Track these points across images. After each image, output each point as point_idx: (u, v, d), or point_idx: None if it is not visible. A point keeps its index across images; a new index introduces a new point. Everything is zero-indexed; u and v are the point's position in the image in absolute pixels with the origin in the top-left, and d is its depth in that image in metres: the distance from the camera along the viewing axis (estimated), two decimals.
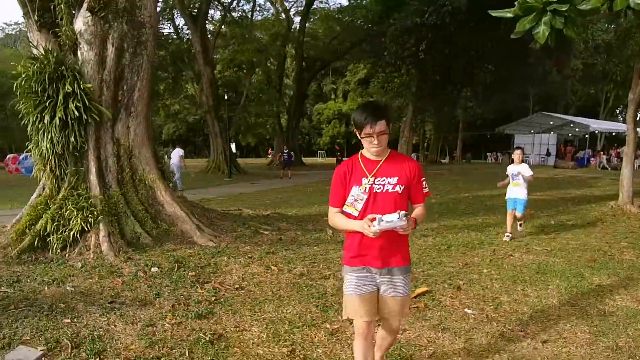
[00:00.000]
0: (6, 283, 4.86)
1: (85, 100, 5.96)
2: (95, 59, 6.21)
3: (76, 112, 5.91)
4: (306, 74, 37.38)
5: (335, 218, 2.58)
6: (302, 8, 35.46)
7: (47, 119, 6.05)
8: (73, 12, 6.48)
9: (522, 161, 7.37)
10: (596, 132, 34.19)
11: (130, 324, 3.87)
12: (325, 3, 38.16)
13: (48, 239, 5.87)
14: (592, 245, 7.07)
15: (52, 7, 6.54)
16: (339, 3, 63.17)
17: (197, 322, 3.92)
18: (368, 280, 2.56)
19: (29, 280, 4.95)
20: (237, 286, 4.85)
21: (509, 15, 2.37)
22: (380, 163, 2.55)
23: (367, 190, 2.50)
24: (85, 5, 6.17)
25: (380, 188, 2.51)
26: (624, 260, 6.17)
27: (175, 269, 5.24)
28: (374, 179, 2.51)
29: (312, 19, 35.76)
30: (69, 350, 3.38)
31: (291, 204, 12.44)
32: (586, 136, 34.00)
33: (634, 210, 10.79)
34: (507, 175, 7.52)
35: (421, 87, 22.86)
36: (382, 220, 2.29)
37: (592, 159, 30.82)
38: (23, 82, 6.13)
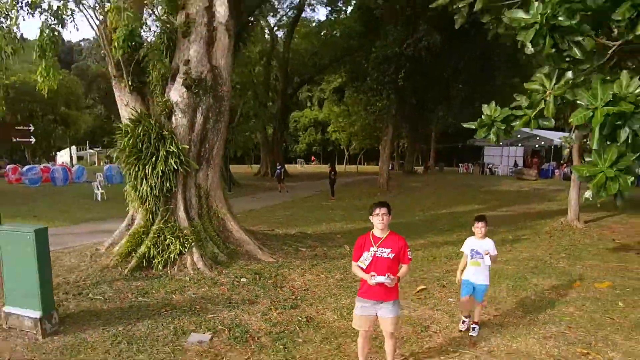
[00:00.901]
0: (140, 294, 7.28)
1: (182, 156, 8.48)
2: (187, 124, 8.72)
3: (174, 166, 8.41)
4: (290, 89, 40.19)
5: (354, 267, 4.51)
6: (285, 23, 38.34)
7: (148, 169, 8.49)
8: (163, 82, 8.94)
9: (486, 235, 5.79)
10: (559, 145, 38.21)
11: (252, 314, 6.47)
12: (305, 19, 41.01)
13: (152, 260, 8.31)
14: (538, 256, 10.04)
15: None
16: (318, 19, 66.24)
17: (292, 311, 6.56)
18: (368, 308, 4.44)
19: (154, 291, 7.39)
20: (303, 288, 7.53)
21: (473, 126, 4.93)
22: (382, 239, 4.36)
23: (372, 255, 4.35)
24: (180, 80, 8.66)
25: (380, 254, 4.32)
26: (558, 267, 9.13)
27: (258, 279, 7.85)
28: (377, 249, 4.33)
29: (295, 37, 38.59)
30: (227, 332, 5.93)
31: (303, 221, 15.03)
32: (551, 147, 37.96)
33: (579, 225, 13.92)
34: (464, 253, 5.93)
35: (400, 110, 26.01)
36: (375, 278, 4.20)
37: (556, 170, 34.62)
38: (130, 141, 8.55)
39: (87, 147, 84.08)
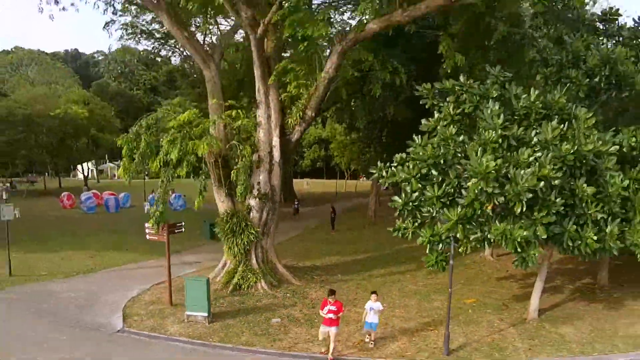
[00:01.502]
0: (240, 303, 15.71)
1: (255, 234, 16.89)
2: (257, 217, 17.16)
3: (251, 238, 16.82)
4: None
5: (321, 313, 11.70)
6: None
7: (238, 240, 16.83)
8: (244, 193, 17.35)
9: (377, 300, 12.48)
10: None
11: (294, 310, 14.90)
12: None
13: (241, 286, 16.74)
14: (445, 282, 18.40)
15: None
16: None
17: (312, 309, 14.94)
18: (324, 329, 11.62)
19: (246, 301, 15.84)
20: (317, 299, 15.94)
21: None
22: (333, 302, 11.54)
23: (328, 309, 11.48)
24: (255, 193, 17.04)
25: (331, 309, 11.50)
26: (454, 290, 17.50)
27: (294, 294, 16.36)
28: (330, 307, 11.49)
29: None
30: (286, 318, 14.36)
31: (313, 254, 23.41)
32: None
33: (491, 259, 22.24)
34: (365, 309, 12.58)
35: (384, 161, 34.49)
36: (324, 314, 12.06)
37: None
38: (228, 225, 16.94)
39: (107, 161, 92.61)
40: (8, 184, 52.45)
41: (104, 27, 24.11)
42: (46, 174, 77.79)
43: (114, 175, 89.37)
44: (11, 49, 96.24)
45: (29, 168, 74.76)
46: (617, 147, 12.19)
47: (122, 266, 21.51)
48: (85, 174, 69.11)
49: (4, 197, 21.19)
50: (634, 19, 18.39)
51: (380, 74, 19.27)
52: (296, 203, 34.91)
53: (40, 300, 16.45)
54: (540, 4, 14.25)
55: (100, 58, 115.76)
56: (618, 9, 18.33)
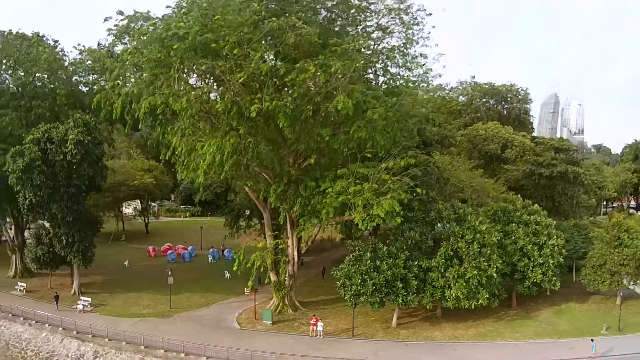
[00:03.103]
0: (285, 317, 41.85)
1: (287, 289, 43.00)
2: (289, 281, 43.28)
3: (285, 291, 42.97)
4: None
5: (311, 322, 39.42)
6: None
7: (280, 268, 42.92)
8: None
9: None
10: None
11: None
12: None
13: (281, 310, 42.90)
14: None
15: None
16: None
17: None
18: (312, 328, 39.59)
19: (287, 318, 41.99)
20: None
21: None
22: (314, 318, 39.27)
23: (314, 320, 39.48)
24: (288, 272, 43.13)
25: (313, 322, 39.48)
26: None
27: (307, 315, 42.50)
28: (312, 320, 39.42)
29: None
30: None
31: (315, 293, 49.49)
32: None
33: None
34: None
35: None
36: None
37: None
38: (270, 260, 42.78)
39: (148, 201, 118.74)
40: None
41: None
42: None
43: (155, 213, 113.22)
44: None
45: None
46: None
47: (221, 302, 47.60)
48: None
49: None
50: None
51: None
52: (302, 260, 60.00)
53: (194, 319, 42.59)
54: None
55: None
56: None
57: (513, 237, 42.15)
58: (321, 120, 34.25)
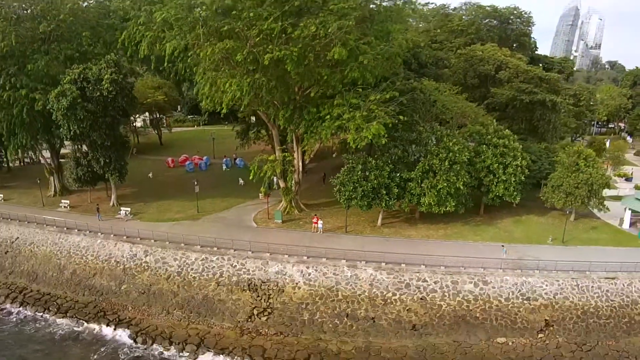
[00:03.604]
0: (292, 217, 52.54)
1: (294, 192, 53.21)
2: (296, 186, 53.44)
3: (297, 178, 53.25)
4: None
5: (313, 220, 50.04)
6: None
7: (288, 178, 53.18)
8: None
9: None
10: None
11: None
12: None
13: (288, 211, 53.55)
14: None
15: None
16: None
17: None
18: (314, 226, 50.26)
19: (293, 217, 52.69)
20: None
21: None
22: (316, 216, 49.95)
23: (315, 219, 50.01)
24: (295, 179, 53.14)
25: (315, 220, 50.06)
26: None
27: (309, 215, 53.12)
28: (314, 219, 49.99)
29: None
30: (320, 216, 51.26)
31: (318, 196, 60.15)
32: None
33: None
34: None
35: None
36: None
37: None
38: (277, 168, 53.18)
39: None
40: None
41: None
42: None
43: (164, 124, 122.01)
44: None
45: None
46: None
47: (239, 205, 58.17)
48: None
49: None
50: None
51: None
52: (306, 169, 70.36)
53: (219, 220, 53.38)
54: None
55: None
56: None
57: (482, 157, 51.24)
58: (321, 63, 41.94)
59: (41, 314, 44.46)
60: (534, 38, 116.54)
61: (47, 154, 66.24)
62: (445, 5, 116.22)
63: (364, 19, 42.98)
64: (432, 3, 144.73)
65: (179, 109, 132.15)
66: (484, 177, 51.13)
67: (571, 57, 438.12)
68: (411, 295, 40.05)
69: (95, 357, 38.21)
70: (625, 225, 53.89)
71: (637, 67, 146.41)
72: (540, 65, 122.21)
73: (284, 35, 38.50)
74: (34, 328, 42.45)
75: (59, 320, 43.13)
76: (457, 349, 36.88)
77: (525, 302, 40.08)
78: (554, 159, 56.58)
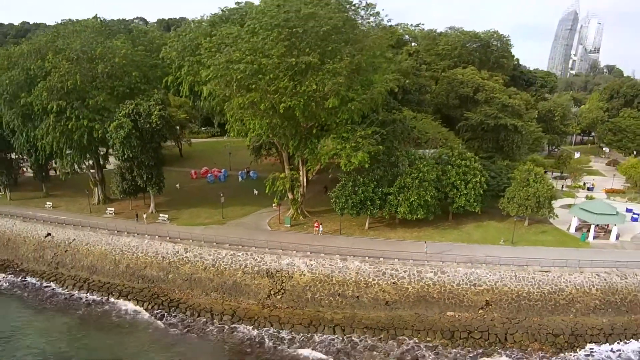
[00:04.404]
0: (297, 222, 67.92)
1: (300, 203, 68.51)
2: (301, 197, 68.89)
3: (301, 191, 68.63)
4: None
5: (315, 225, 65.54)
6: None
7: (296, 191, 68.53)
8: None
9: None
10: None
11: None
12: None
13: (295, 218, 68.91)
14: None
15: None
16: None
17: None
18: (315, 230, 65.80)
19: (299, 222, 68.09)
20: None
21: None
22: (317, 221, 65.39)
23: (316, 224, 65.53)
24: (300, 192, 68.63)
25: (316, 225, 65.59)
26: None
27: (312, 220, 68.51)
28: (315, 224, 65.53)
29: None
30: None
31: (319, 204, 75.60)
32: None
33: None
34: None
35: None
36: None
37: None
38: (287, 183, 68.66)
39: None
40: None
41: None
42: None
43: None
44: None
45: None
46: None
47: (255, 212, 73.66)
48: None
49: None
50: None
51: None
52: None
53: (241, 224, 68.93)
54: None
55: None
56: None
57: (448, 175, 66.39)
58: (320, 109, 57.26)
59: (106, 298, 59.66)
60: (515, 56, 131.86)
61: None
62: (432, 30, 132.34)
63: (352, 71, 58.11)
64: (422, 24, 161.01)
65: (192, 121, 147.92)
66: (449, 191, 66.25)
67: (570, 61, 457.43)
68: (386, 280, 55.42)
69: (156, 328, 53.28)
70: (572, 229, 68.52)
71: (616, 81, 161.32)
72: (523, 81, 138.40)
73: (293, 90, 53.84)
74: (102, 309, 57.52)
75: (121, 302, 58.27)
76: (417, 319, 52.21)
77: (472, 287, 55.03)
78: (510, 175, 71.18)
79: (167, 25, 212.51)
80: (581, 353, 48.91)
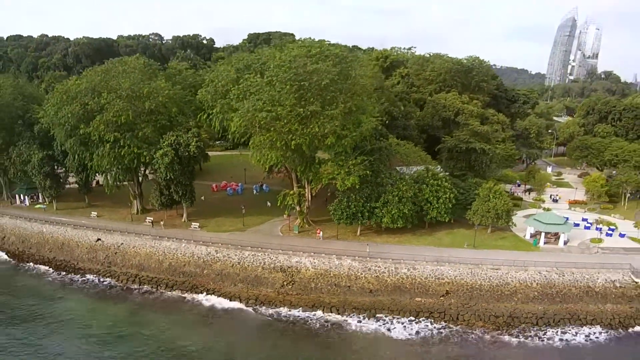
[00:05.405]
0: (304, 229, 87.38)
1: (305, 213, 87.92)
2: (307, 209, 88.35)
3: (307, 205, 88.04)
4: None
5: (317, 232, 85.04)
6: None
7: (302, 205, 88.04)
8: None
9: None
10: None
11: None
12: None
13: (301, 226, 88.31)
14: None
15: None
16: None
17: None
18: (317, 235, 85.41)
19: (305, 230, 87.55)
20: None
21: None
22: (318, 228, 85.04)
23: (318, 231, 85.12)
24: (306, 205, 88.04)
25: (318, 231, 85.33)
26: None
27: (315, 228, 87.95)
28: (317, 231, 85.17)
29: None
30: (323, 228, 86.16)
31: (321, 214, 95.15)
32: None
33: None
34: None
35: None
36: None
37: None
38: (295, 197, 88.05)
39: None
40: None
41: None
42: None
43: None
44: None
45: None
46: None
47: (269, 221, 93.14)
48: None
49: None
50: None
51: None
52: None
53: (258, 231, 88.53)
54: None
55: None
56: None
57: (423, 192, 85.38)
58: (322, 145, 77.13)
59: (155, 288, 78.94)
60: (494, 80, 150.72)
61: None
62: (422, 55, 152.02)
63: (346, 114, 77.51)
64: (415, 47, 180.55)
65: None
66: (424, 205, 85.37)
67: (569, 67, 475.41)
68: (371, 274, 74.80)
69: (199, 310, 72.49)
70: (527, 236, 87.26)
71: (591, 98, 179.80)
72: (505, 100, 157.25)
73: (301, 131, 73.32)
74: (153, 297, 76.59)
75: (168, 292, 77.56)
76: (393, 302, 71.22)
77: (436, 280, 73.95)
78: (476, 192, 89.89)
79: (181, 42, 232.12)
80: (514, 331, 66.20)
